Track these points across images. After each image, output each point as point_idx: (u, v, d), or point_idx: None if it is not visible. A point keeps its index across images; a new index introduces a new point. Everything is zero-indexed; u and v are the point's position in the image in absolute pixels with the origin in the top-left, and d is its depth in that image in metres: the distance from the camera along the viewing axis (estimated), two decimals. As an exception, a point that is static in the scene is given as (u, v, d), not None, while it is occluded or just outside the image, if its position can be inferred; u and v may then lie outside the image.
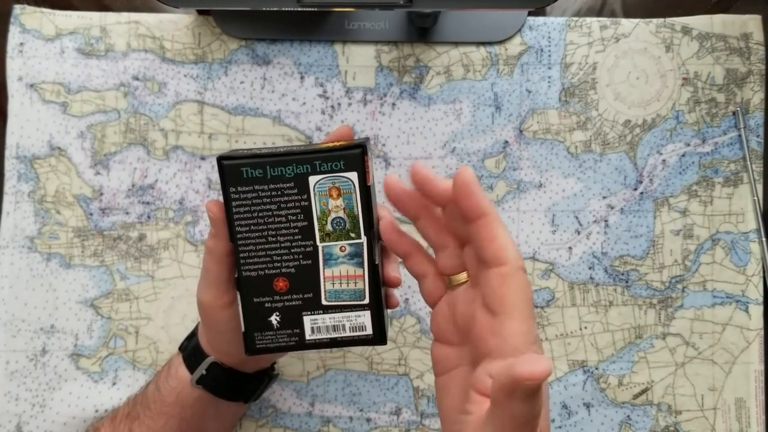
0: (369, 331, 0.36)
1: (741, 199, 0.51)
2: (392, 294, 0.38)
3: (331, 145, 0.35)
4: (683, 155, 0.51)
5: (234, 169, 0.34)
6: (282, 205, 0.35)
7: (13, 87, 0.51)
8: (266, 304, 0.35)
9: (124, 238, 0.50)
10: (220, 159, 0.34)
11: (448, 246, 0.34)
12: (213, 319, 0.39)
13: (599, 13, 0.53)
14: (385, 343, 0.36)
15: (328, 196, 0.35)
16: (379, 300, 0.35)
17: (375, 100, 0.52)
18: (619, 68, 0.52)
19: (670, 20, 0.52)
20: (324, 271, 0.35)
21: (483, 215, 0.30)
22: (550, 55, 0.52)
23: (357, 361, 0.50)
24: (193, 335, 0.44)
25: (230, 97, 0.51)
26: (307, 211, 0.35)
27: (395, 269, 0.37)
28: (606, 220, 0.51)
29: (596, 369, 0.50)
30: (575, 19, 0.52)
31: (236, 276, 0.35)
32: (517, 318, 0.29)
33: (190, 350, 0.42)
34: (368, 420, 0.50)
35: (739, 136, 0.51)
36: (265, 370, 0.45)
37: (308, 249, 0.35)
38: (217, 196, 0.51)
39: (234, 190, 0.35)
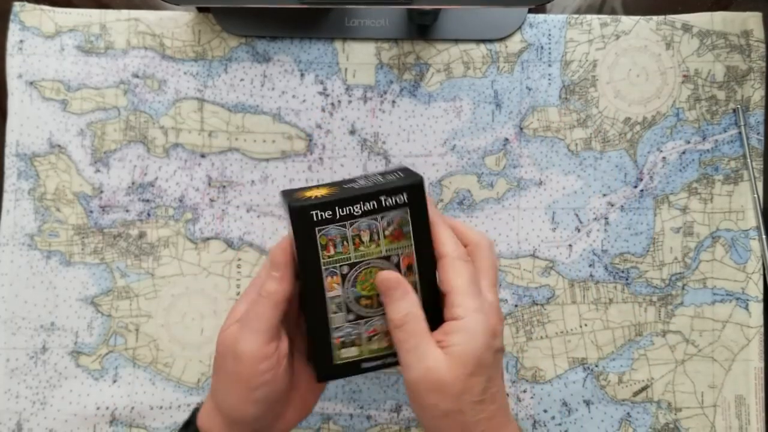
0: None
1: (741, 196, 0.51)
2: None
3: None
4: (683, 153, 0.51)
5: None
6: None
7: (13, 84, 0.51)
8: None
9: (124, 236, 0.50)
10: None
11: None
12: (249, 372, 0.36)
13: (599, 10, 0.53)
14: None
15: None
16: None
17: (375, 98, 0.51)
18: (619, 66, 0.52)
19: (670, 17, 0.52)
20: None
21: None
22: (550, 53, 0.52)
23: (357, 358, 0.50)
24: (189, 422, 0.39)
25: (230, 94, 0.51)
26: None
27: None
28: (606, 218, 0.51)
29: (596, 366, 0.50)
30: (575, 16, 0.52)
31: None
32: None
33: None
34: (368, 417, 0.50)
35: (740, 133, 0.51)
36: None
37: None
38: (217, 193, 0.51)
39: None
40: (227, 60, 0.52)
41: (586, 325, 0.50)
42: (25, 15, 0.51)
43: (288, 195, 0.37)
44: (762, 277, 0.50)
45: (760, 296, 0.50)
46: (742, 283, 0.50)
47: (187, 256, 0.50)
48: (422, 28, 0.51)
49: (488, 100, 0.51)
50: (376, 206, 0.37)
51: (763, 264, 0.50)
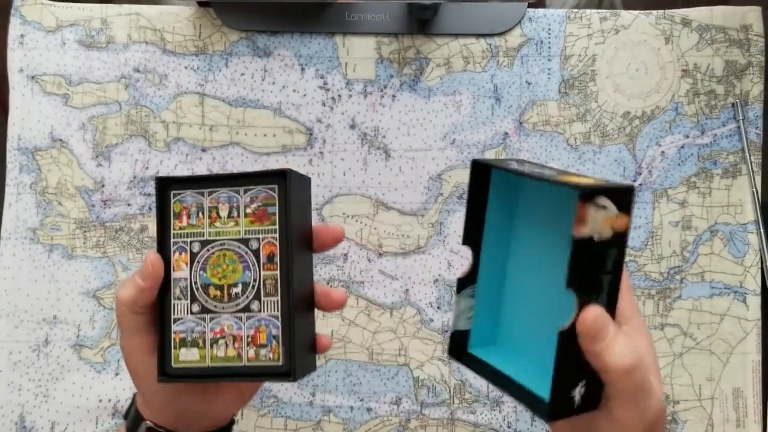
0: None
1: (739, 190, 0.51)
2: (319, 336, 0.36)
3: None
4: (682, 147, 0.51)
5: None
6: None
7: (14, 79, 0.51)
8: None
9: (125, 230, 0.51)
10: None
11: None
12: (131, 363, 0.35)
13: (599, 4, 0.53)
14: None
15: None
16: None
17: (375, 92, 0.52)
18: (618, 60, 0.52)
19: (669, 12, 0.52)
20: None
21: None
22: (549, 47, 0.52)
23: (357, 351, 0.50)
24: (134, 402, 0.39)
25: (231, 88, 0.52)
26: None
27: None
28: (605, 212, 0.51)
29: (595, 359, 0.50)
30: (575, 10, 0.52)
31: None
32: None
33: (131, 419, 0.38)
34: (369, 410, 0.50)
35: (738, 127, 0.51)
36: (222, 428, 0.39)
37: None
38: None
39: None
40: (228, 54, 0.52)
41: (584, 318, 0.50)
42: (26, 9, 0.51)
43: None
44: (760, 271, 0.50)
45: (758, 289, 0.50)
46: (740, 276, 0.50)
47: (188, 250, 0.51)
48: (422, 22, 0.51)
49: (488, 95, 0.52)
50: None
51: (761, 257, 0.50)
